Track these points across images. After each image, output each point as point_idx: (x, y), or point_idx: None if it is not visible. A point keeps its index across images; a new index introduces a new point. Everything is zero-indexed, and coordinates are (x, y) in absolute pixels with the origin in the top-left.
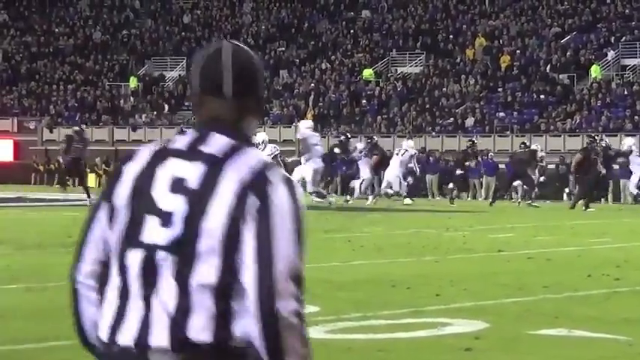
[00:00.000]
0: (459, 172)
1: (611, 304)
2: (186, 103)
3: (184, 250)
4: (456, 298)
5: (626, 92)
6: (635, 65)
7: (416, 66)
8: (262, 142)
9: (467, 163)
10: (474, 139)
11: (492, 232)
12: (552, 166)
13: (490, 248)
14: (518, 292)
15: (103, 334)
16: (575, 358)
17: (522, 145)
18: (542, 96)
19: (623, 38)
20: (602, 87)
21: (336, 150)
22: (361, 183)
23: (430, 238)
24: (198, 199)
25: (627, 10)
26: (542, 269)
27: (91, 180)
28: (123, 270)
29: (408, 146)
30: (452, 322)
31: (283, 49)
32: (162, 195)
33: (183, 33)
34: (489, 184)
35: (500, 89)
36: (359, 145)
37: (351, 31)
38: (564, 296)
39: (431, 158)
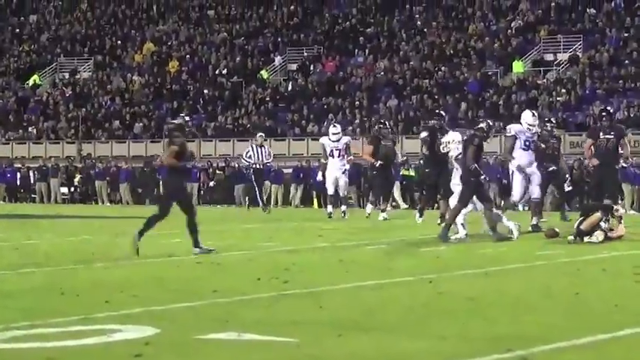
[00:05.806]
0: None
1: (280, 306)
2: None
3: None
4: (125, 305)
5: (293, 94)
6: (300, 68)
7: (84, 71)
8: None
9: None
10: None
11: (163, 238)
12: (220, 172)
13: (160, 254)
14: (187, 297)
15: None
16: None
17: None
18: (210, 100)
19: (290, 44)
20: (273, 90)
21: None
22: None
23: (100, 245)
24: None
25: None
26: (212, 274)
27: None
28: None
29: None
30: (122, 328)
31: None
32: None
33: None
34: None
35: (168, 94)
36: None
37: (18, 36)
38: (234, 300)
39: (100, 166)
